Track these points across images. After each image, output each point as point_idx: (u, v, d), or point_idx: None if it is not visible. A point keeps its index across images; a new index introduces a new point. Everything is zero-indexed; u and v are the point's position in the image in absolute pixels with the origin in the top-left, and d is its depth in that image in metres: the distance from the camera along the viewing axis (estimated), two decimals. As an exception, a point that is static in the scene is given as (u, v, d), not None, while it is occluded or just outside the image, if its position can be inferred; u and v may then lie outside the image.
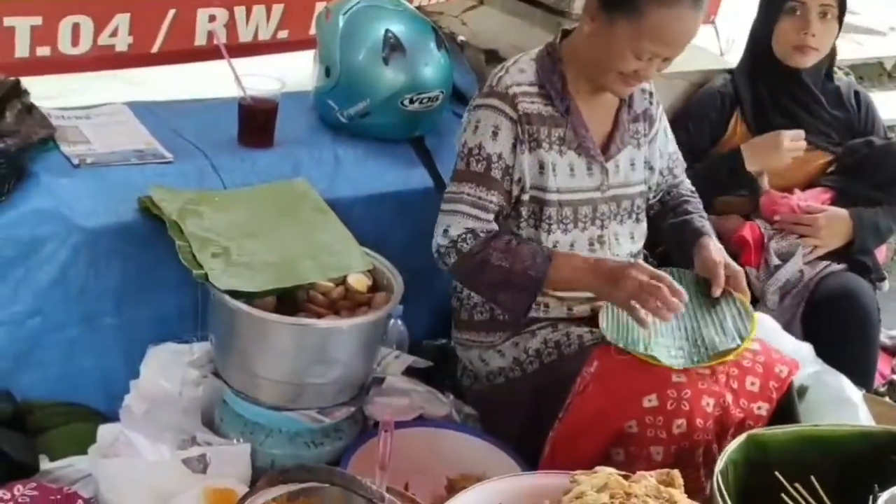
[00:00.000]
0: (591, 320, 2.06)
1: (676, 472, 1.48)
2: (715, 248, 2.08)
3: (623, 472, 1.50)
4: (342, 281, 2.00)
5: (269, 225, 2.05)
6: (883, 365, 2.84)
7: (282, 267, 1.95)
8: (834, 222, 2.47)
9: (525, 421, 2.05)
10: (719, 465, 1.66)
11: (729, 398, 1.86)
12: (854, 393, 2.16)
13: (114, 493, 1.84)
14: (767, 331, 2.15)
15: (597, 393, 1.88)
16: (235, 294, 1.86)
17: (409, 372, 2.27)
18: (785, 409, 1.99)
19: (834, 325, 2.38)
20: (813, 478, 1.50)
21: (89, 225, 2.03)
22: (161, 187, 2.07)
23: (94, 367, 2.11)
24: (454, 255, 1.99)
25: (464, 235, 1.99)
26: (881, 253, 2.68)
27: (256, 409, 1.96)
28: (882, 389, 2.67)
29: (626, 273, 1.89)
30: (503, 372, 2.05)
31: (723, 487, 1.60)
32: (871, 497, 1.60)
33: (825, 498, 1.49)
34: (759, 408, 1.91)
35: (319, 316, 1.94)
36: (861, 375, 2.38)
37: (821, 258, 2.50)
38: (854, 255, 2.51)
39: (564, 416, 1.92)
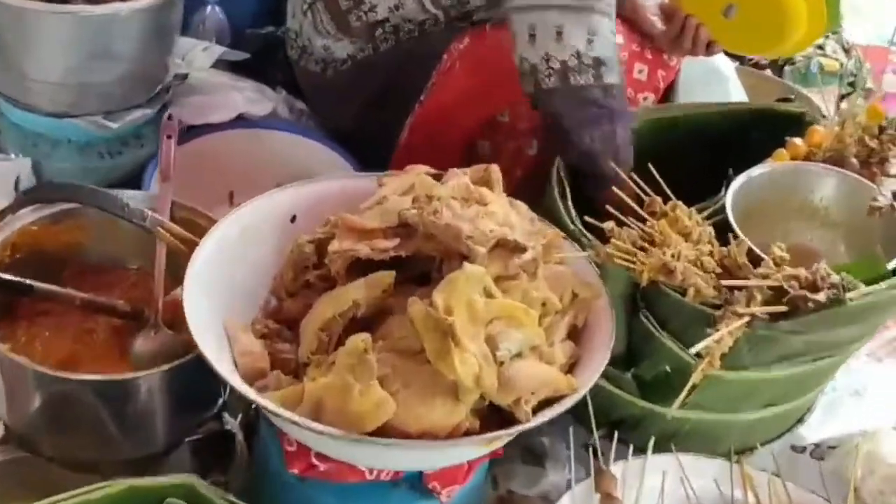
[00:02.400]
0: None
1: (494, 168, 1.25)
2: None
3: (438, 172, 1.27)
4: (126, -41, 1.65)
5: None
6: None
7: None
8: None
9: (369, 107, 1.79)
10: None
11: None
12: (726, 66, 1.94)
13: None
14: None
15: (465, 72, 1.62)
16: (-16, -20, 1.52)
17: (233, 68, 1.98)
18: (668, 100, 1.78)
19: None
20: (650, 165, 1.29)
21: None
22: None
23: None
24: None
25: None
26: None
27: (34, 117, 1.67)
28: (764, 62, 2.47)
29: None
30: (350, 58, 1.74)
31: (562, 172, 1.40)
32: (725, 181, 1.42)
33: (662, 184, 1.29)
34: (644, 98, 1.69)
35: (98, 2, 1.62)
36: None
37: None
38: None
39: (426, 98, 1.67)
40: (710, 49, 1.69)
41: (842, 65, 2.40)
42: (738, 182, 1.39)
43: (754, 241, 1.39)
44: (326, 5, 1.69)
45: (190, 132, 1.84)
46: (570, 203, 1.32)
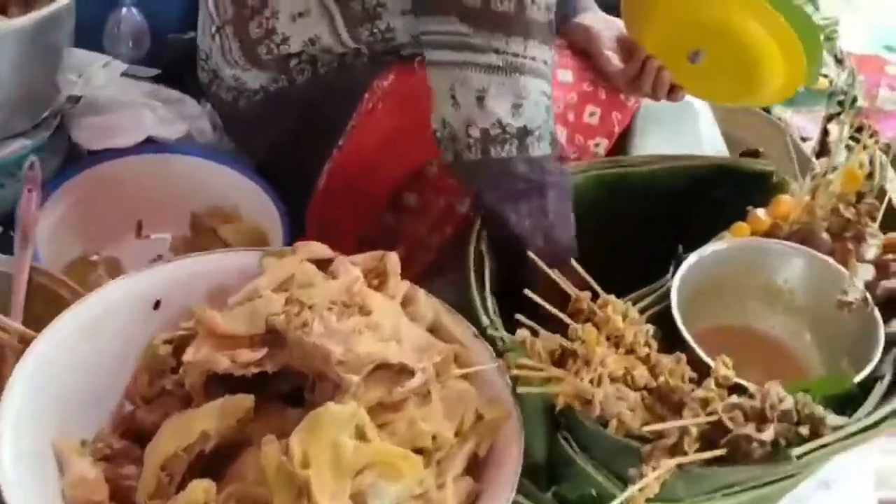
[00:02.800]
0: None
1: (391, 258, 1.06)
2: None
3: (326, 257, 1.07)
4: (7, -34, 1.45)
5: None
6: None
7: None
8: None
9: (288, 143, 1.59)
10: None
11: (562, 134, 1.42)
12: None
13: None
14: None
15: (388, 114, 1.41)
16: None
17: (159, 78, 1.78)
18: (623, 146, 1.57)
19: None
20: (573, 261, 1.09)
21: None
22: None
23: None
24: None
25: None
26: None
27: None
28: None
29: None
30: (263, 89, 1.52)
31: (480, 247, 1.19)
32: (673, 261, 1.22)
33: (589, 279, 1.09)
34: (596, 145, 1.48)
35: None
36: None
37: None
38: None
39: (346, 142, 1.46)
40: (672, 94, 1.47)
41: (831, 81, 2.18)
42: (688, 263, 1.20)
43: (708, 322, 1.22)
44: (235, 31, 1.46)
45: (91, 157, 1.64)
46: (487, 294, 1.12)
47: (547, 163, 1.23)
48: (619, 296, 1.12)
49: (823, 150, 2.03)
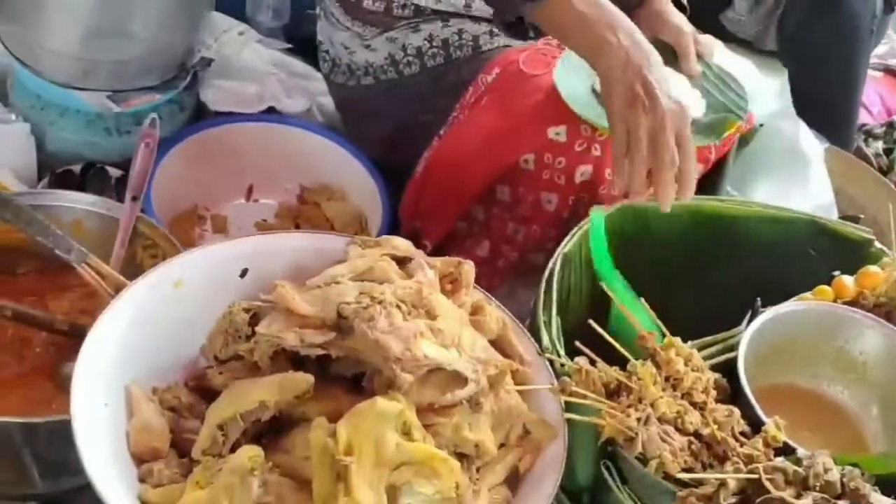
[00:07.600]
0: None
1: (467, 267, 1.09)
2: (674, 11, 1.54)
3: (407, 255, 1.11)
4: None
5: None
6: (890, 94, 2.35)
7: None
8: None
9: (396, 133, 1.65)
10: (567, 242, 1.27)
11: None
12: (810, 146, 1.71)
13: None
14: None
15: (492, 109, 1.46)
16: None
17: (292, 52, 1.86)
18: (719, 172, 1.56)
19: (814, 34, 1.87)
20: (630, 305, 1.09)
21: None
22: None
23: None
24: None
25: None
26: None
27: (45, 82, 1.57)
28: (877, 130, 2.21)
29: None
30: (372, 70, 1.59)
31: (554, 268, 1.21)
32: (750, 312, 1.22)
33: (656, 320, 1.10)
34: None
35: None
36: (842, 102, 1.93)
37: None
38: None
39: (447, 132, 1.52)
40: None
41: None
42: (763, 318, 1.20)
43: (776, 378, 1.23)
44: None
45: (216, 118, 1.73)
46: (553, 315, 1.14)
47: None
48: (692, 333, 1.14)
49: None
